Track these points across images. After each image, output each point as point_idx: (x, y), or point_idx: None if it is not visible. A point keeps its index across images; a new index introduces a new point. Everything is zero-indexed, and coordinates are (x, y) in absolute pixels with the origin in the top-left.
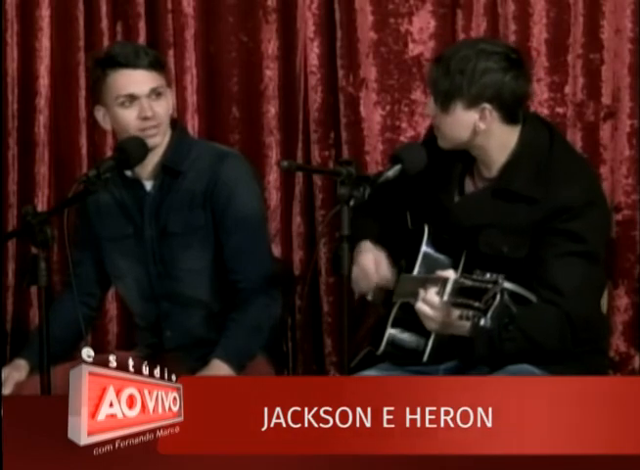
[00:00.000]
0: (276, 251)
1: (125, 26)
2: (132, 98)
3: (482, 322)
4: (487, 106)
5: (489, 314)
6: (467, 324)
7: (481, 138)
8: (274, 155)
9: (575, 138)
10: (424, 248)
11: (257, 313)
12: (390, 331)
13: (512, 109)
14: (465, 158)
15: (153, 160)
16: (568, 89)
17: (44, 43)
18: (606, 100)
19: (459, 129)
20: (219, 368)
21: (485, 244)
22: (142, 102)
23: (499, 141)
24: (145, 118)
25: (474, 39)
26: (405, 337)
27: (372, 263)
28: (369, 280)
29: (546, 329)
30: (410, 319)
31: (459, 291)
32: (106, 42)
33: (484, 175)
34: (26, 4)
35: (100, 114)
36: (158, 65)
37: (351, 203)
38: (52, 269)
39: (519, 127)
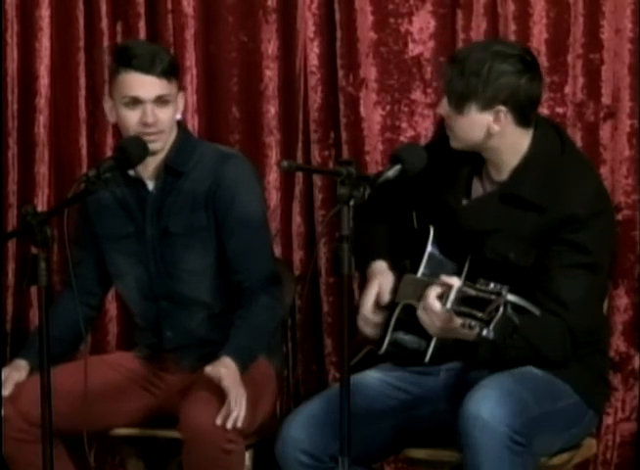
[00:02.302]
0: (276, 251)
1: (125, 26)
2: (137, 101)
3: (485, 333)
4: (502, 108)
5: (492, 326)
6: (470, 332)
7: (495, 140)
8: (274, 155)
9: (575, 138)
10: (429, 248)
11: (262, 317)
12: (393, 331)
13: (526, 111)
14: (473, 159)
15: (155, 159)
16: (568, 89)
17: (44, 43)
18: (606, 100)
19: (473, 131)
20: (231, 365)
21: (491, 249)
22: (146, 107)
23: (512, 144)
24: (146, 124)
25: (489, 40)
26: (407, 337)
27: (369, 306)
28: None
29: (548, 339)
30: (412, 320)
31: (462, 300)
32: (106, 42)
33: (494, 178)
34: (26, 4)
35: (108, 105)
36: (170, 73)
37: (351, 203)
38: (52, 269)
39: (531, 131)
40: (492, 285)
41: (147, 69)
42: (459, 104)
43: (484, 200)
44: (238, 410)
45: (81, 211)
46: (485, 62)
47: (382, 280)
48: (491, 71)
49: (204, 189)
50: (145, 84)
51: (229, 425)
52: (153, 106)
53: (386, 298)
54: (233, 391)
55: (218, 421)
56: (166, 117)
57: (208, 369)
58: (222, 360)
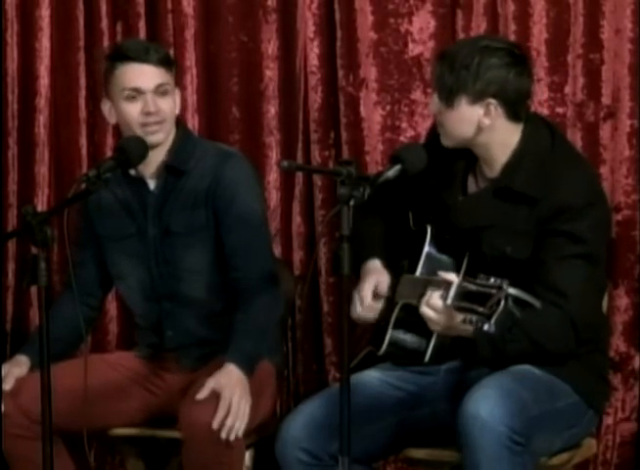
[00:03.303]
0: (276, 251)
1: (125, 26)
2: (138, 92)
3: (486, 327)
4: (492, 101)
5: (493, 320)
6: (471, 327)
7: (485, 135)
8: (274, 155)
9: (575, 138)
10: (426, 248)
11: (262, 318)
12: (392, 331)
13: (516, 105)
14: (468, 157)
15: (156, 159)
16: (568, 89)
17: (44, 43)
18: (606, 100)
19: (463, 125)
20: (236, 373)
21: (488, 244)
22: (147, 97)
23: (502, 139)
24: (148, 113)
25: (477, 36)
26: (407, 337)
27: (369, 294)
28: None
29: (549, 331)
30: (412, 320)
31: (463, 295)
32: (106, 42)
33: (487, 175)
34: (26, 4)
35: (106, 107)
36: (166, 62)
37: (351, 203)
38: (52, 269)
39: (521, 126)
40: (493, 279)
41: (143, 58)
42: (449, 98)
43: (478, 196)
44: (233, 420)
45: (82, 211)
46: (474, 56)
47: (378, 276)
48: (481, 65)
49: (204, 187)
50: (143, 73)
51: (223, 435)
52: (154, 96)
53: (384, 290)
54: (225, 399)
55: (214, 425)
56: (167, 107)
57: (210, 383)
58: (226, 368)
